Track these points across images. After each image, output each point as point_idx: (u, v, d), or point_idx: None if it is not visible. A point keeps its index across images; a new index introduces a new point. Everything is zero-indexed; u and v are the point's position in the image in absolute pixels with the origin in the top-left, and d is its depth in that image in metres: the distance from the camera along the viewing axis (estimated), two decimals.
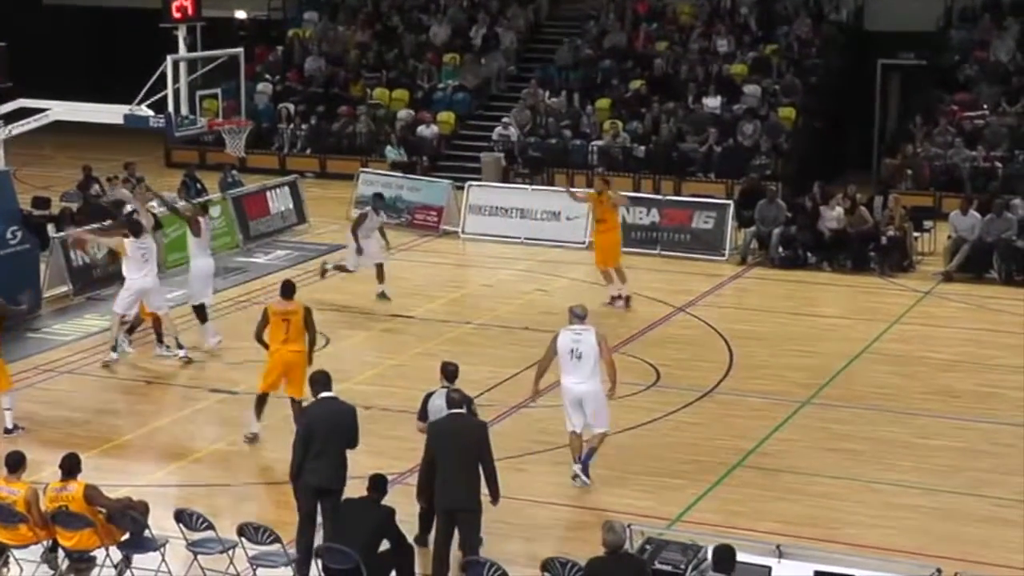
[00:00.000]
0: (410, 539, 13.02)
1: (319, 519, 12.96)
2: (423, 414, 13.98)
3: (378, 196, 24.01)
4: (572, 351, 15.17)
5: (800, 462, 16.29)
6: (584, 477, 15.39)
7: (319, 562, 12.31)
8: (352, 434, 13.12)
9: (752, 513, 14.79)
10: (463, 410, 13.19)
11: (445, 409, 13.30)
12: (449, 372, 14.08)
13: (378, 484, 12.71)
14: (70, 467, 12.82)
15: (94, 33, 42.25)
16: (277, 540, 12.51)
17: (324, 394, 13.28)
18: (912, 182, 30.14)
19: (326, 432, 12.98)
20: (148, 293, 19.53)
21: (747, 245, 26.10)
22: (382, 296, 22.75)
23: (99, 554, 12.92)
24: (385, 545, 12.59)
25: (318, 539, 12.81)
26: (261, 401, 16.55)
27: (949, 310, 23.13)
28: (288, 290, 16.52)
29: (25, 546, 12.88)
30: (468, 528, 12.79)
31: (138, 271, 19.33)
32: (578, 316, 15.43)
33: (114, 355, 19.47)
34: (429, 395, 14.10)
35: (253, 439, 16.49)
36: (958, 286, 24.39)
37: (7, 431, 16.70)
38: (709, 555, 11.17)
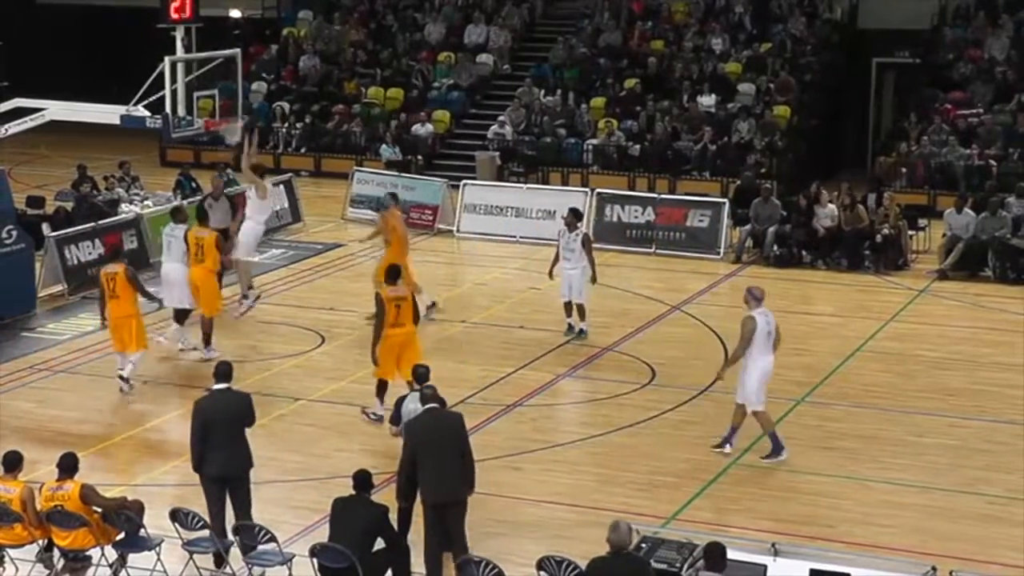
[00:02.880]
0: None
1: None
2: (396, 417, 14.02)
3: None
4: (768, 332, 16.07)
5: (795, 460, 16.30)
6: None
7: (315, 561, 12.32)
8: (248, 418, 13.21)
9: (747, 511, 14.82)
10: (438, 405, 13.19)
11: (420, 409, 13.30)
12: (419, 374, 14.13)
13: (363, 481, 12.69)
14: (68, 466, 12.82)
15: (90, 33, 42.21)
16: (273, 539, 12.52)
17: (219, 386, 13.31)
18: (906, 180, 30.19)
19: (224, 423, 13.08)
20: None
21: (742, 244, 26.13)
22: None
23: (95, 553, 12.94)
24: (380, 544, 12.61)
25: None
26: (382, 386, 17.00)
27: (944, 308, 23.17)
28: (395, 275, 17.28)
29: (20, 546, 12.88)
30: (458, 522, 12.78)
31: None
32: (758, 299, 16.21)
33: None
34: (402, 399, 14.17)
35: (378, 419, 16.90)
36: (952, 284, 24.42)
37: (122, 379, 18.16)
38: None
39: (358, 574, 12.08)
